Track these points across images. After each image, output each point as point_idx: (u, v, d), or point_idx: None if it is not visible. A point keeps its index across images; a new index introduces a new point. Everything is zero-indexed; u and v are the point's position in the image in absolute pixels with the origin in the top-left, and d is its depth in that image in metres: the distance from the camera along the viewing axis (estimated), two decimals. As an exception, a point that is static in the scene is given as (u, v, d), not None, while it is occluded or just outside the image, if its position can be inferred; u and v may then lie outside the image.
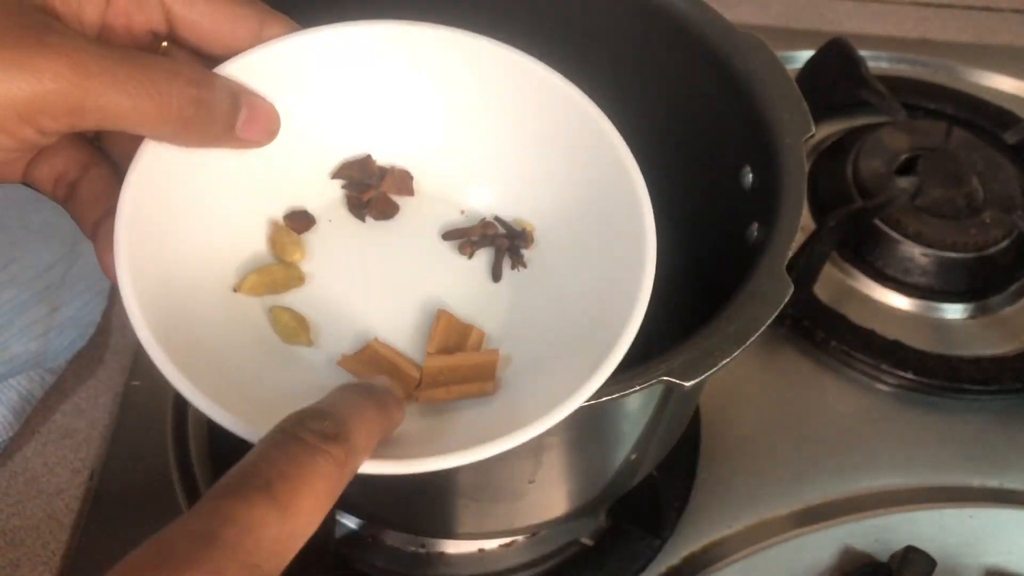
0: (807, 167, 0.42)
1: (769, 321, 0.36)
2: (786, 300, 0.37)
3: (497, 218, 0.39)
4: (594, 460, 0.44)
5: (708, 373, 0.35)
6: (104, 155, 0.35)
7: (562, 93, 0.37)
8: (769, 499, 0.54)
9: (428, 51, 0.38)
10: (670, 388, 0.35)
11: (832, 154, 0.70)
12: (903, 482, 0.56)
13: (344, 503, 0.49)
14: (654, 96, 0.52)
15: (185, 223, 0.34)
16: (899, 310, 0.64)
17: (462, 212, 0.40)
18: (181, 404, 0.55)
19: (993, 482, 0.56)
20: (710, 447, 0.56)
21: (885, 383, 0.60)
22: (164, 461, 0.53)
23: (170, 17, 0.34)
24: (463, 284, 0.38)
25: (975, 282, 0.64)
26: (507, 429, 0.30)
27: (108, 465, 0.53)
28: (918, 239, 0.64)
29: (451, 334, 0.36)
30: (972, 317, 0.64)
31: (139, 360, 0.57)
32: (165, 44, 0.35)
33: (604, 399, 0.34)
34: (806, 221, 0.66)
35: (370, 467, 0.29)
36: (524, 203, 0.39)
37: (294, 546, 0.25)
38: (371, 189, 0.39)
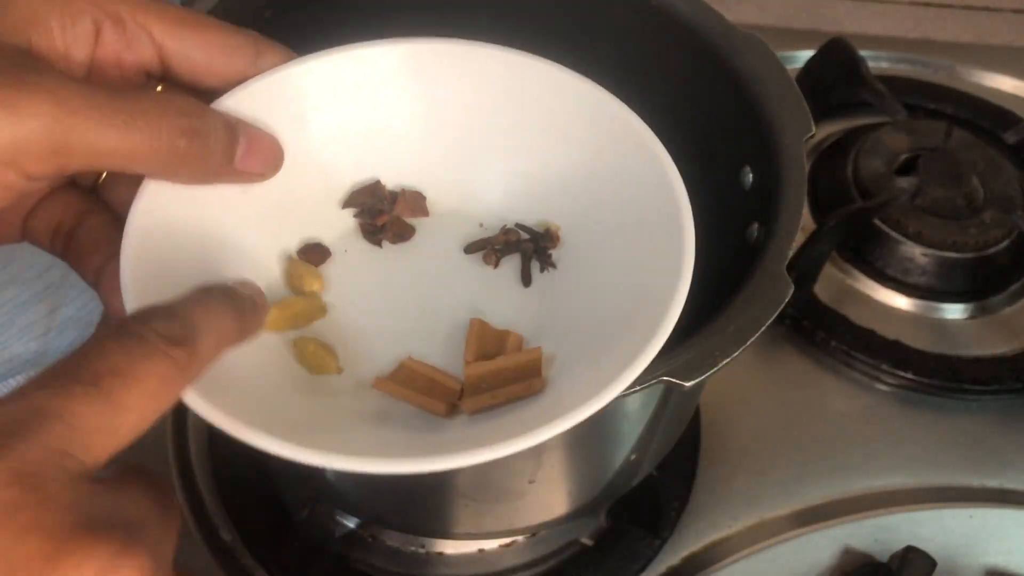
0: (807, 167, 0.42)
1: (769, 321, 0.36)
2: (786, 300, 0.37)
3: (519, 224, 0.38)
4: (594, 460, 0.44)
5: (708, 373, 0.35)
6: (102, 203, 0.34)
7: (569, 85, 0.37)
8: (769, 499, 0.54)
9: (424, 66, 0.37)
10: (670, 388, 0.35)
11: (832, 154, 0.70)
12: (903, 482, 0.56)
13: (344, 503, 0.50)
14: (654, 96, 0.52)
15: (194, 261, 0.33)
16: (899, 310, 0.64)
17: (481, 225, 0.39)
18: (180, 405, 0.55)
19: (993, 482, 0.56)
20: (710, 447, 0.56)
21: (885, 383, 0.60)
22: (164, 461, 0.53)
23: (163, 54, 0.33)
24: (493, 294, 0.37)
25: (975, 282, 0.64)
26: (554, 418, 0.29)
27: (107, 465, 0.53)
28: (918, 239, 0.64)
29: (487, 341, 0.35)
30: (972, 317, 0.64)
31: (139, 360, 0.57)
32: (160, 88, 0.34)
33: (604, 399, 0.34)
34: (806, 221, 0.66)
35: (421, 465, 0.28)
36: (545, 205, 0.38)
37: (119, 441, 0.25)
38: (384, 214, 0.38)
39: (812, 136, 0.43)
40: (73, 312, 0.56)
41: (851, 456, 0.56)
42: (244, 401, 0.30)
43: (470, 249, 0.38)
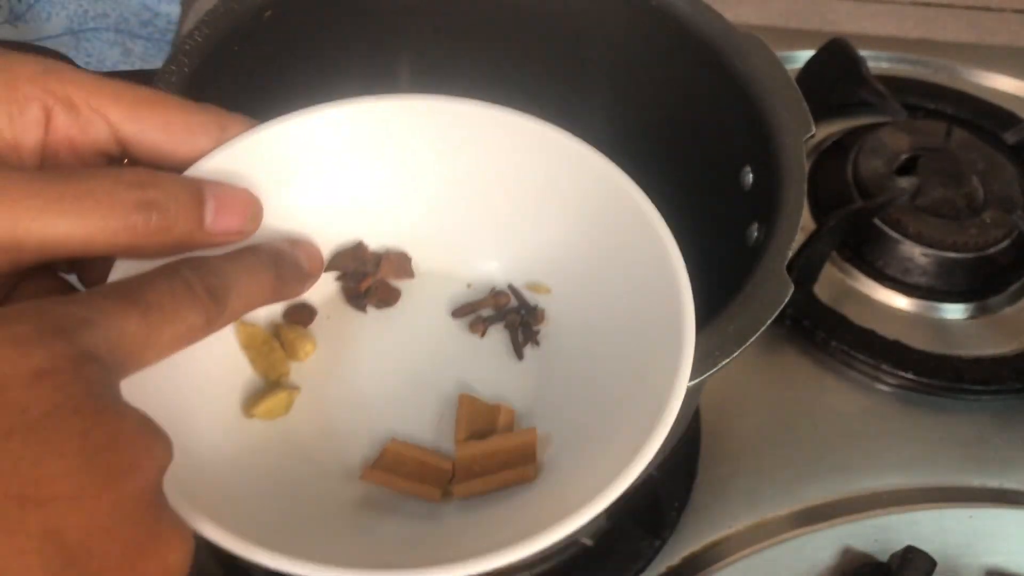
0: (807, 167, 0.42)
1: (769, 321, 0.36)
2: (786, 300, 0.37)
3: (510, 286, 0.36)
4: (594, 460, 0.44)
5: (708, 373, 0.35)
6: (79, 288, 0.32)
7: (558, 146, 0.35)
8: (769, 499, 0.54)
9: (402, 125, 0.35)
10: (670, 388, 0.35)
11: (832, 154, 0.70)
12: (903, 482, 0.56)
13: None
14: (654, 96, 0.53)
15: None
16: (899, 310, 0.64)
17: (469, 285, 0.37)
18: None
19: (993, 482, 0.56)
20: (710, 447, 0.56)
21: (885, 383, 0.60)
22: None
23: (120, 136, 0.31)
24: (482, 364, 0.35)
25: (975, 282, 0.64)
26: (554, 518, 0.27)
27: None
28: (918, 239, 0.64)
29: (478, 418, 0.33)
30: (972, 317, 0.64)
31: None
32: (126, 161, 0.32)
33: (604, 399, 0.34)
34: (806, 221, 0.66)
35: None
36: (535, 266, 0.36)
37: (136, 370, 0.26)
38: (368, 277, 0.36)
39: (812, 136, 0.43)
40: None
41: (851, 456, 0.56)
42: (223, 496, 0.28)
43: (458, 313, 0.36)
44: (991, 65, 0.80)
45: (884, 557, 0.51)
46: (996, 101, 0.76)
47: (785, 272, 0.38)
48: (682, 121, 0.51)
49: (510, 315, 0.36)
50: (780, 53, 0.46)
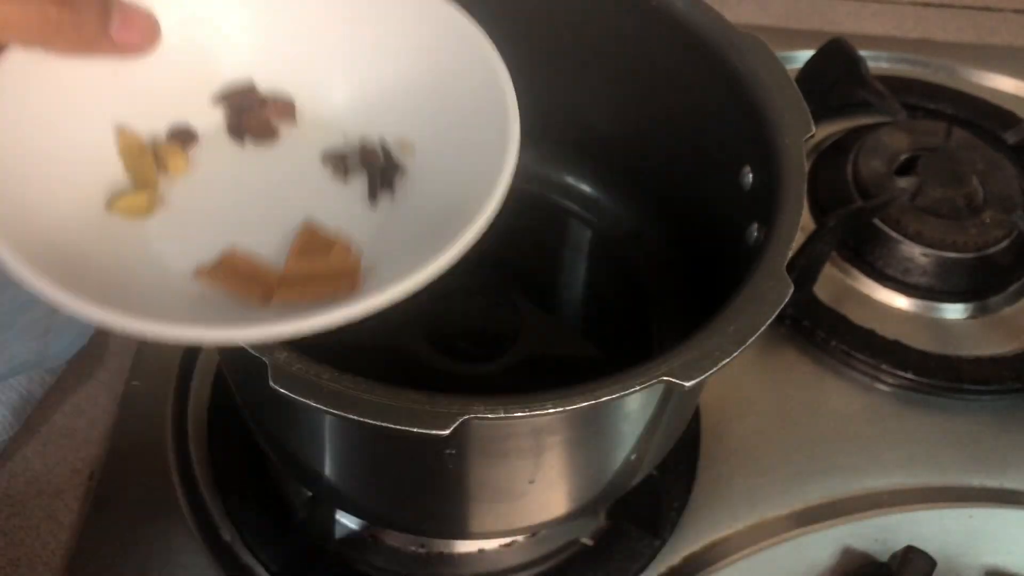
0: (807, 167, 0.42)
1: (769, 321, 0.36)
2: (786, 300, 0.37)
3: (380, 140, 0.39)
4: (594, 460, 0.44)
5: (708, 373, 0.35)
6: None
7: (446, 17, 0.39)
8: (769, 499, 0.54)
9: None
10: (670, 388, 0.35)
11: (832, 154, 0.70)
12: (903, 482, 0.56)
13: (343, 503, 0.50)
14: (654, 96, 0.52)
15: (52, 136, 0.34)
16: (899, 310, 0.64)
17: (345, 137, 0.40)
18: (182, 403, 0.55)
19: (993, 482, 0.56)
20: (710, 447, 0.56)
21: (885, 383, 0.60)
22: (164, 461, 0.53)
23: None
24: (336, 205, 0.38)
25: (975, 282, 0.64)
26: (355, 301, 0.31)
27: (108, 465, 0.53)
28: (918, 239, 0.64)
29: (314, 244, 0.36)
30: (972, 317, 0.64)
31: (139, 360, 0.57)
32: None
33: (604, 399, 0.34)
34: (806, 221, 0.66)
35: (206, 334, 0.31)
36: (406, 122, 0.40)
37: None
38: (252, 112, 0.39)
39: (812, 136, 0.43)
40: (73, 312, 0.56)
41: (851, 456, 0.56)
42: (64, 261, 0.32)
43: (326, 159, 0.39)
44: (991, 65, 0.80)
45: (884, 557, 0.51)
46: (996, 101, 0.76)
47: (785, 272, 0.38)
48: (682, 121, 0.51)
49: (372, 164, 0.39)
50: (780, 53, 0.46)
